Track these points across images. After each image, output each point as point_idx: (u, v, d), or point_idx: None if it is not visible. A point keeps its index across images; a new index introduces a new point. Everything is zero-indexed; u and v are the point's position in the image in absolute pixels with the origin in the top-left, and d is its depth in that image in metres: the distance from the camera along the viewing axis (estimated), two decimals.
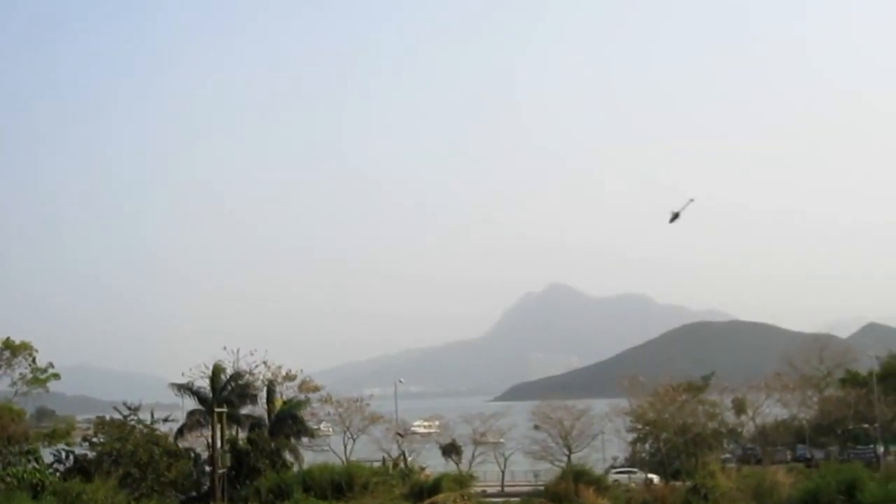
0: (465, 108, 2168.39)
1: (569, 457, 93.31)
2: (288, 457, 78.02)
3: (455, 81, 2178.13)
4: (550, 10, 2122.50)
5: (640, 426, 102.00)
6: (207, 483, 73.69)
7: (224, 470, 71.37)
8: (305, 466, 74.84)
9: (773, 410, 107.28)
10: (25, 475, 60.03)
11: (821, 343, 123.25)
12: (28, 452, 64.50)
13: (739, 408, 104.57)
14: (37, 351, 68.19)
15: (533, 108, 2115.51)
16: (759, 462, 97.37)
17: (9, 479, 59.52)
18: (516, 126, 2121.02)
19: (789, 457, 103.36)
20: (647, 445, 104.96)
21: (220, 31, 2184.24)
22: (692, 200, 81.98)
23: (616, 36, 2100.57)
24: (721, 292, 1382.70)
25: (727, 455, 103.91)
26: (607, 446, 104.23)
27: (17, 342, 67.32)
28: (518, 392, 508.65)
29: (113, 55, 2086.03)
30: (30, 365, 67.90)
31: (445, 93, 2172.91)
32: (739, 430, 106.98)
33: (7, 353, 66.85)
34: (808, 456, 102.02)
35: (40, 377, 68.40)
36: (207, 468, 74.79)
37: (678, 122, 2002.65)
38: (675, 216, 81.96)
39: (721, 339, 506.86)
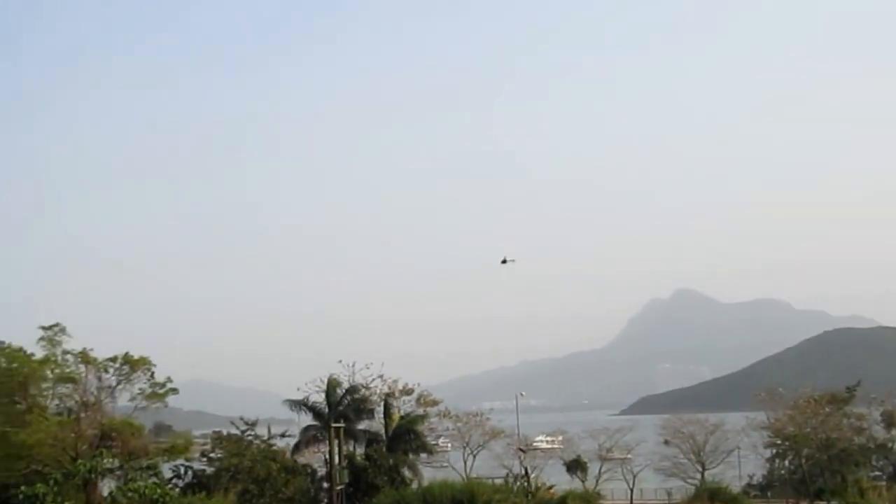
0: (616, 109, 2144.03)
1: (702, 474, 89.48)
2: (406, 473, 76.18)
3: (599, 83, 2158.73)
4: None
5: (778, 441, 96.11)
6: (325, 500, 73.10)
7: (342, 486, 70.30)
8: (425, 483, 72.75)
9: None
10: (146, 490, 60.05)
11: None
12: (148, 468, 64.50)
13: (890, 421, 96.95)
14: (155, 366, 68.37)
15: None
16: None
17: (130, 495, 59.67)
18: (652, 120, 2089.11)
19: None
20: (786, 462, 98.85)
21: (268, 47, 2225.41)
22: (514, 261, 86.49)
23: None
24: (865, 296, 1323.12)
25: (876, 472, 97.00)
26: (743, 463, 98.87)
27: (136, 357, 67.72)
28: (645, 405, 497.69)
29: (164, 62, 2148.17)
30: (148, 380, 68.12)
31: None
32: (890, 445, 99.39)
33: (126, 368, 67.20)
34: None
35: (159, 392, 68.50)
36: (325, 484, 73.96)
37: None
38: (504, 262, 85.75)
39: (866, 347, 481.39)
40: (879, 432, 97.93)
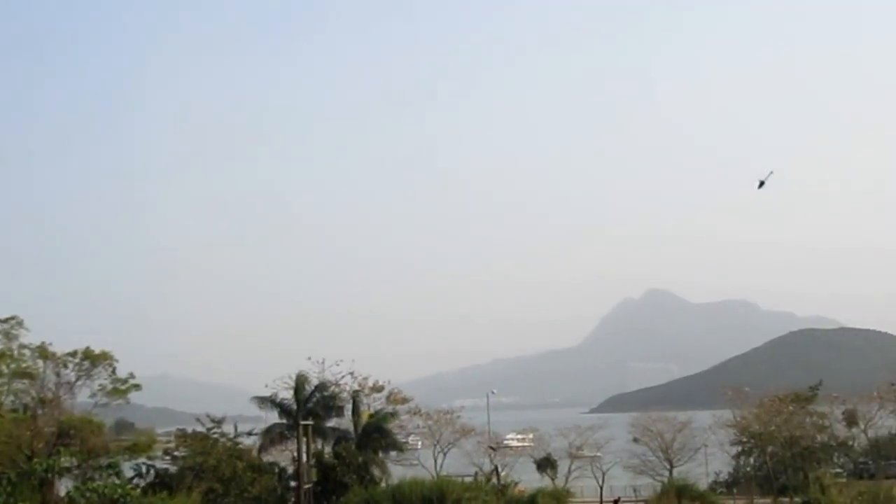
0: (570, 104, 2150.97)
1: (670, 471, 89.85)
2: (376, 471, 75.43)
3: (566, 81, 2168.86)
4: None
5: (744, 439, 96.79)
6: (293, 499, 71.98)
7: (310, 485, 69.37)
8: (394, 481, 72.10)
9: (886, 422, 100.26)
10: (106, 490, 58.80)
11: None
12: (108, 466, 63.23)
13: (850, 420, 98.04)
14: (117, 361, 67.09)
15: (634, 110, 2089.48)
16: (871, 477, 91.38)
17: (89, 495, 58.33)
18: (621, 125, 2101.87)
19: None
20: (751, 460, 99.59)
21: (295, 34, 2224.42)
22: (772, 172, 79.37)
23: (764, 24, 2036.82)
24: (829, 298, 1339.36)
25: (837, 469, 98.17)
26: (710, 460, 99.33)
27: (97, 351, 66.39)
28: (615, 403, 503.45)
29: (171, 53, 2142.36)
30: (109, 375, 66.80)
31: (555, 95, 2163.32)
32: (850, 443, 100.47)
33: (87, 363, 65.87)
34: None
35: (120, 388, 67.26)
36: (293, 483, 72.98)
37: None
38: (762, 184, 79.58)
39: (829, 348, 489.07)
40: (841, 430, 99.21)
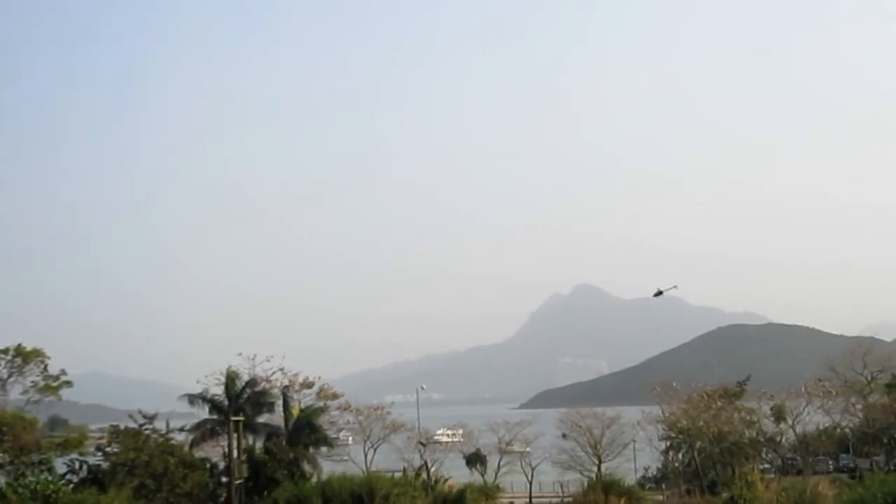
0: (505, 104, 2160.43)
1: (598, 467, 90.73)
2: (306, 467, 75.56)
3: (499, 76, 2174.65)
4: None
5: (672, 434, 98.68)
6: (224, 494, 71.66)
7: (241, 481, 69.28)
8: (324, 477, 72.35)
9: (814, 418, 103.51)
10: (38, 486, 58.03)
11: (864, 347, 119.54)
12: (41, 462, 62.48)
13: (778, 415, 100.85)
14: (49, 358, 66.49)
15: (573, 103, 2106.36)
16: (799, 472, 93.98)
17: (21, 491, 57.50)
18: (549, 123, 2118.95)
19: (832, 467, 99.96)
20: (680, 455, 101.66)
21: (251, 30, 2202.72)
22: (675, 287, 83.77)
23: (679, 21, 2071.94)
24: (757, 293, 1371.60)
25: (766, 465, 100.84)
26: (639, 456, 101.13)
27: (29, 349, 65.65)
28: (545, 399, 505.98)
29: (136, 52, 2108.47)
30: (42, 372, 66.19)
31: (487, 88, 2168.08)
32: (778, 438, 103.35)
33: (18, 360, 65.22)
34: (852, 466, 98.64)
35: (52, 385, 66.68)
36: (224, 479, 72.81)
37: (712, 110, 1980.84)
38: (659, 293, 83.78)
39: (757, 343, 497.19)
40: (769, 426, 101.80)
